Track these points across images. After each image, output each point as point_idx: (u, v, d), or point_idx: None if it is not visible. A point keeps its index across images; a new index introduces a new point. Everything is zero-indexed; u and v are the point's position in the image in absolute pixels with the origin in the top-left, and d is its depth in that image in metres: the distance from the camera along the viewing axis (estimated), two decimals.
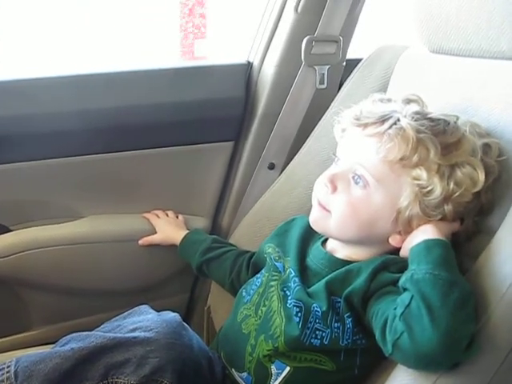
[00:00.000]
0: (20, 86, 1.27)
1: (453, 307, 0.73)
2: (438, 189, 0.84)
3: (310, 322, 0.88)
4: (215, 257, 1.20)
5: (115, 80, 1.33)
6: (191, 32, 3.69)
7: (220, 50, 3.48)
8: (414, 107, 0.91)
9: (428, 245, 0.81)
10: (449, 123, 0.88)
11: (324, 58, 1.42)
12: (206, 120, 1.40)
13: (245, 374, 0.95)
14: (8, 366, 0.90)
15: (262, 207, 1.27)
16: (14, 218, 1.35)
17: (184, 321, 0.96)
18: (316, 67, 1.42)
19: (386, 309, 0.80)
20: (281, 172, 1.34)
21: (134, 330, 0.91)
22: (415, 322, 0.74)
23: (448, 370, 0.76)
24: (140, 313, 0.99)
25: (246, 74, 1.44)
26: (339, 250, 0.95)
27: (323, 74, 1.42)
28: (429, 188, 0.84)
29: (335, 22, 1.39)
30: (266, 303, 0.96)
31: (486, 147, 0.88)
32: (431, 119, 0.88)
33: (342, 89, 1.24)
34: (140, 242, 1.37)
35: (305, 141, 1.27)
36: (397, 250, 0.90)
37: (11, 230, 1.35)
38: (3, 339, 1.37)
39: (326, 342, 0.88)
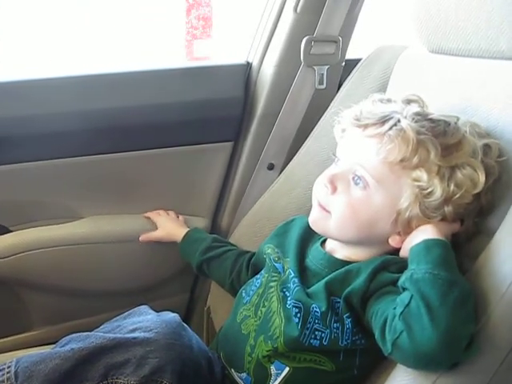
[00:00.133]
0: (20, 87, 1.27)
1: (452, 306, 0.73)
2: (438, 190, 0.84)
3: (309, 323, 0.88)
4: (216, 256, 1.20)
5: (113, 81, 1.33)
6: (192, 32, 3.69)
7: (225, 50, 3.49)
8: (415, 108, 0.91)
9: (428, 244, 0.81)
10: (449, 124, 0.88)
11: (323, 58, 1.42)
12: (205, 120, 1.40)
13: (244, 375, 0.95)
14: (8, 367, 0.91)
15: (262, 207, 1.27)
16: (15, 218, 1.35)
17: (184, 321, 0.96)
18: (315, 67, 1.42)
19: (386, 308, 0.80)
20: (280, 172, 1.34)
21: (133, 331, 0.91)
22: (415, 321, 0.74)
23: (447, 370, 0.76)
24: (140, 313, 0.99)
25: (245, 74, 1.44)
26: (338, 250, 0.95)
27: (322, 74, 1.42)
28: (429, 189, 0.84)
29: (334, 22, 1.39)
30: (266, 304, 0.96)
31: (486, 148, 0.88)
32: (432, 120, 0.87)
33: (341, 89, 1.24)
34: (140, 238, 1.37)
35: (304, 141, 1.27)
36: (396, 251, 0.90)
37: (11, 231, 1.35)
38: (4, 339, 1.37)
39: (325, 343, 0.88)
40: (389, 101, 0.94)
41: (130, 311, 1.01)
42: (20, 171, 1.29)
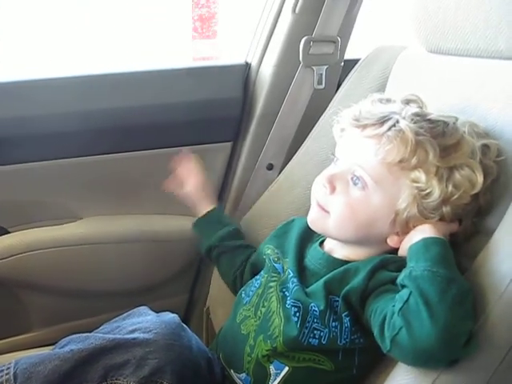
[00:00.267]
0: (21, 87, 1.27)
1: (451, 303, 0.73)
2: (436, 191, 0.84)
3: (308, 322, 0.88)
4: (230, 248, 1.16)
5: (113, 81, 1.33)
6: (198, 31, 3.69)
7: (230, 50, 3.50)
8: (414, 108, 0.91)
9: (426, 243, 0.81)
10: (448, 125, 0.88)
11: (322, 59, 1.42)
12: (205, 121, 1.40)
13: (243, 375, 0.96)
14: (7, 368, 0.91)
15: (261, 207, 1.27)
16: (14, 219, 1.35)
17: (183, 322, 0.96)
18: (314, 67, 1.42)
19: (385, 306, 0.80)
20: (279, 172, 1.34)
21: (133, 332, 0.91)
22: (413, 317, 0.74)
23: (447, 368, 0.76)
24: (139, 314, 0.99)
25: (243, 74, 1.44)
26: (337, 250, 0.96)
27: (321, 75, 1.42)
28: (427, 190, 0.85)
29: (333, 22, 1.39)
30: (265, 304, 0.96)
31: (485, 148, 0.88)
32: (430, 121, 0.88)
33: (340, 89, 1.24)
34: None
35: (303, 141, 1.27)
36: (394, 250, 0.90)
37: (10, 232, 1.35)
38: (3, 341, 1.38)
39: (324, 342, 0.88)
40: (388, 101, 0.94)
41: (130, 312, 1.01)
42: (20, 172, 1.29)
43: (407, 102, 0.94)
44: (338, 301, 0.88)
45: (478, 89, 0.97)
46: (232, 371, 0.98)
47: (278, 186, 1.26)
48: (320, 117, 1.25)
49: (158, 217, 1.46)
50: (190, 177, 1.25)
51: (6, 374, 0.90)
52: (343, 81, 1.26)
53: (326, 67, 1.42)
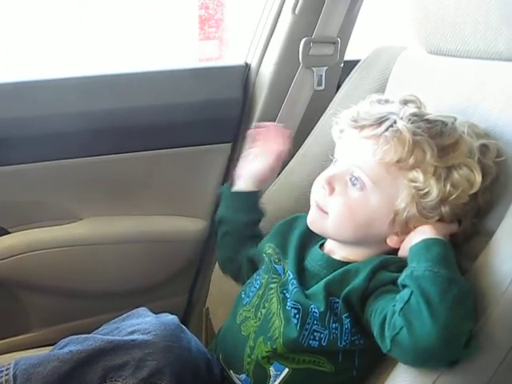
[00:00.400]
0: (20, 88, 1.27)
1: (452, 303, 0.73)
2: (434, 191, 0.84)
3: (308, 324, 0.88)
4: (241, 234, 1.12)
5: (112, 82, 1.34)
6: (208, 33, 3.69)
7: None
8: (412, 108, 0.91)
9: (427, 243, 0.81)
10: (446, 125, 0.88)
11: (322, 60, 1.42)
12: (204, 122, 1.40)
13: (243, 376, 0.95)
14: (7, 369, 0.91)
15: None
16: (13, 220, 1.35)
17: (182, 322, 0.96)
18: (314, 69, 1.42)
19: (385, 306, 0.80)
20: (279, 173, 1.34)
21: (132, 333, 0.91)
22: (414, 316, 0.74)
23: (447, 369, 0.76)
24: (138, 315, 0.98)
25: (243, 75, 1.45)
26: (337, 251, 0.96)
27: (321, 76, 1.42)
28: (425, 190, 0.85)
29: (333, 23, 1.39)
30: (266, 305, 0.96)
31: (484, 148, 0.88)
32: (428, 121, 0.88)
33: (340, 90, 1.24)
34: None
35: (303, 142, 1.27)
36: (394, 251, 0.90)
37: (9, 233, 1.35)
38: (2, 341, 1.38)
39: (324, 344, 0.88)
40: (386, 101, 0.94)
41: (129, 313, 1.01)
42: (20, 172, 1.29)
43: (405, 102, 0.94)
44: (338, 302, 0.87)
45: (478, 90, 0.96)
46: (231, 372, 0.98)
47: (277, 186, 1.26)
48: (320, 118, 1.25)
49: (158, 217, 1.46)
50: (274, 153, 1.12)
51: (6, 375, 0.90)
52: (343, 82, 1.26)
53: (325, 68, 1.42)
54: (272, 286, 0.98)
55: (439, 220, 0.87)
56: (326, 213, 0.91)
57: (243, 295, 1.03)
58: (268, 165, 1.12)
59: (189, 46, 3.65)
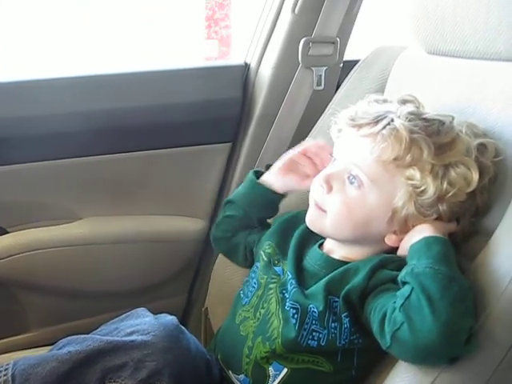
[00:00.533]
0: (20, 88, 1.27)
1: (452, 299, 0.74)
2: (431, 188, 0.84)
3: (307, 324, 0.89)
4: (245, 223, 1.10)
5: (112, 82, 1.34)
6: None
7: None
8: (409, 108, 0.91)
9: (428, 241, 0.81)
10: (443, 123, 0.88)
11: (321, 60, 1.42)
12: (204, 121, 1.40)
13: (242, 376, 0.95)
14: (6, 369, 0.91)
15: None
16: (12, 219, 1.35)
17: (181, 322, 0.96)
18: (313, 68, 1.42)
19: (385, 303, 0.81)
20: None
21: (131, 334, 0.91)
22: (415, 312, 0.74)
23: (447, 368, 0.76)
24: (137, 316, 0.98)
25: (243, 75, 1.44)
26: (336, 250, 0.96)
27: (320, 76, 1.42)
28: (422, 188, 0.85)
29: (332, 23, 1.39)
30: (265, 305, 0.96)
31: (482, 147, 0.89)
32: (425, 119, 0.88)
33: (340, 90, 1.24)
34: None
35: (302, 142, 1.27)
36: (393, 250, 0.90)
37: (9, 232, 1.35)
38: (0, 341, 1.37)
39: (322, 343, 0.88)
40: (384, 101, 0.94)
41: (128, 313, 1.01)
42: (19, 172, 1.29)
43: (404, 102, 0.94)
44: (337, 301, 0.88)
45: (478, 90, 0.97)
46: (230, 372, 0.98)
47: None
48: (319, 118, 1.25)
49: (158, 217, 1.46)
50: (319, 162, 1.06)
51: (5, 375, 0.90)
52: (342, 82, 1.26)
53: (325, 68, 1.42)
54: (271, 286, 0.98)
55: (437, 219, 0.87)
56: (325, 211, 0.92)
57: (242, 295, 1.03)
58: (301, 180, 1.06)
59: (194, 46, 3.65)
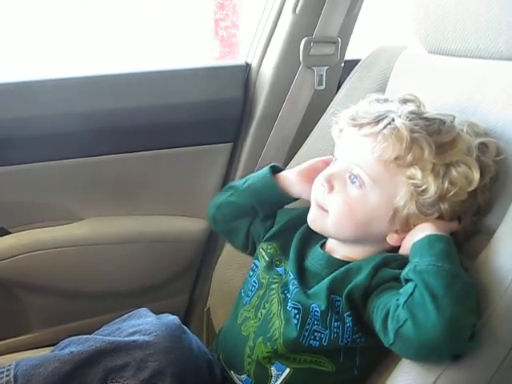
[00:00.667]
0: (20, 88, 1.27)
1: (456, 296, 0.74)
2: (432, 188, 0.85)
3: (309, 324, 0.89)
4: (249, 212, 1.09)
5: (112, 82, 1.34)
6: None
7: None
8: (410, 107, 0.91)
9: (431, 239, 0.82)
10: (444, 122, 0.88)
11: (322, 59, 1.42)
12: (205, 121, 1.40)
13: (244, 376, 0.95)
14: (8, 370, 0.91)
15: None
16: (14, 220, 1.35)
17: (183, 322, 0.96)
18: (314, 68, 1.41)
19: (388, 301, 0.81)
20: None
21: (133, 334, 0.91)
22: (419, 309, 0.74)
23: (449, 366, 0.76)
24: (139, 316, 0.98)
25: (244, 75, 1.44)
26: (337, 250, 0.96)
27: (321, 75, 1.42)
28: (423, 187, 0.85)
29: (333, 23, 1.39)
30: (266, 306, 0.96)
31: (483, 146, 0.89)
32: (426, 119, 0.88)
33: (341, 90, 1.24)
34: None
35: (303, 142, 1.27)
36: (394, 249, 0.90)
37: (10, 233, 1.35)
38: (2, 342, 1.37)
39: (324, 343, 0.88)
40: (385, 101, 0.95)
41: (130, 314, 1.01)
42: (20, 172, 1.29)
43: (405, 101, 0.94)
44: (339, 300, 0.88)
45: (479, 89, 0.97)
46: (232, 372, 0.98)
47: None
48: (320, 117, 1.25)
49: (159, 218, 1.46)
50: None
51: (7, 376, 0.90)
52: (344, 81, 1.26)
53: (326, 68, 1.42)
54: (273, 286, 0.98)
55: (439, 218, 0.87)
56: (326, 211, 0.92)
57: (243, 294, 1.03)
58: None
59: (202, 45, 3.65)
